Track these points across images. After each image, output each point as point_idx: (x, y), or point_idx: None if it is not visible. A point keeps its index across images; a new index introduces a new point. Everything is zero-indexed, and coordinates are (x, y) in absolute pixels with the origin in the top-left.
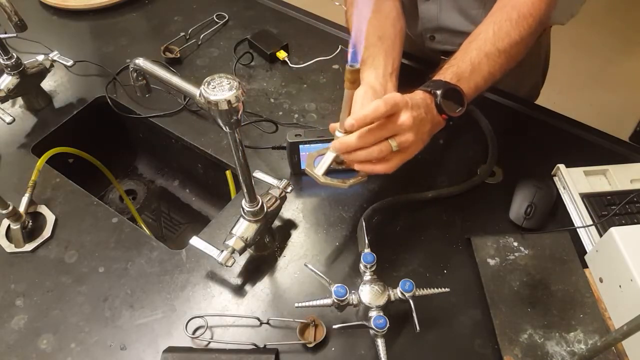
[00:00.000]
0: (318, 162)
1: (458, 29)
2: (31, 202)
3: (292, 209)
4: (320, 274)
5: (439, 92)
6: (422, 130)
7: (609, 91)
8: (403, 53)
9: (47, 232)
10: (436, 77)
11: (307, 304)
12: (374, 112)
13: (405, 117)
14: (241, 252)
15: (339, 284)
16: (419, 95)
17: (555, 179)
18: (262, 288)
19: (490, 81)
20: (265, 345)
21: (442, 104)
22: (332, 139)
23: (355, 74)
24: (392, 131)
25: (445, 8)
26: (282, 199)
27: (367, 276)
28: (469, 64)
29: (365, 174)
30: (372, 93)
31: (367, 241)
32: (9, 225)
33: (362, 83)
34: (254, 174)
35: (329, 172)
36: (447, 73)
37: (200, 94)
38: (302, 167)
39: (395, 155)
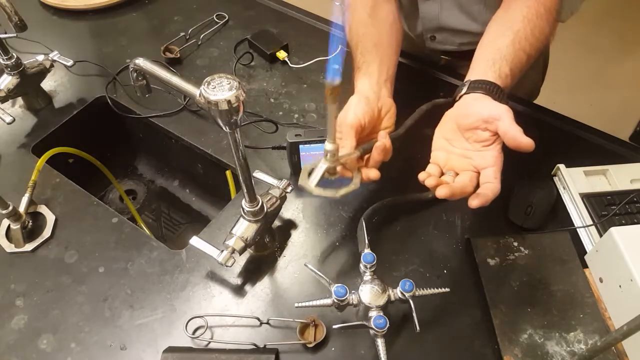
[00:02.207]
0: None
1: (459, 27)
2: (31, 202)
3: (292, 209)
4: (320, 274)
5: (504, 94)
6: None
7: (609, 91)
8: (403, 53)
9: (47, 232)
10: (479, 77)
11: (307, 304)
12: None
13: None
14: (241, 252)
15: (339, 284)
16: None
17: (555, 179)
18: (262, 288)
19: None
20: (265, 345)
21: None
22: None
23: (336, 90)
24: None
25: (446, 6)
26: (282, 199)
27: (367, 276)
28: (510, 67)
29: (357, 183)
30: (365, 102)
31: (367, 241)
32: (9, 225)
33: (356, 91)
34: (254, 174)
35: (322, 181)
36: (491, 71)
37: (200, 94)
38: (302, 167)
39: None
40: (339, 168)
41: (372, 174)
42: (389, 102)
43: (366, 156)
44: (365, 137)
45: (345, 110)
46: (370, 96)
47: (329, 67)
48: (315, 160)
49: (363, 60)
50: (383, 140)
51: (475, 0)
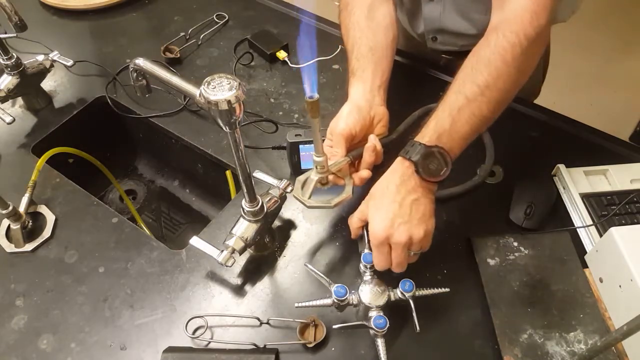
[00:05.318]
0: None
1: (460, 31)
2: (31, 202)
3: (292, 209)
4: (320, 274)
5: (415, 159)
6: (422, 217)
7: (609, 91)
8: (404, 53)
9: (47, 232)
10: (417, 138)
11: (307, 304)
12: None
13: (400, 237)
14: (241, 252)
15: (339, 284)
16: (399, 171)
17: (555, 179)
18: (262, 288)
19: (481, 124)
20: (265, 345)
21: (423, 171)
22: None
23: (315, 104)
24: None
25: (448, 10)
26: (282, 199)
27: (367, 276)
28: (448, 114)
29: (349, 190)
30: (356, 111)
31: (367, 241)
32: (9, 225)
33: (349, 99)
34: (254, 174)
35: (316, 192)
36: (428, 130)
37: (200, 94)
38: (302, 167)
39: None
40: (330, 177)
41: (364, 173)
42: (381, 110)
43: (357, 162)
44: (356, 145)
45: (337, 119)
46: (363, 105)
47: (307, 83)
48: (307, 172)
49: (358, 66)
50: (373, 142)
51: (475, 10)
